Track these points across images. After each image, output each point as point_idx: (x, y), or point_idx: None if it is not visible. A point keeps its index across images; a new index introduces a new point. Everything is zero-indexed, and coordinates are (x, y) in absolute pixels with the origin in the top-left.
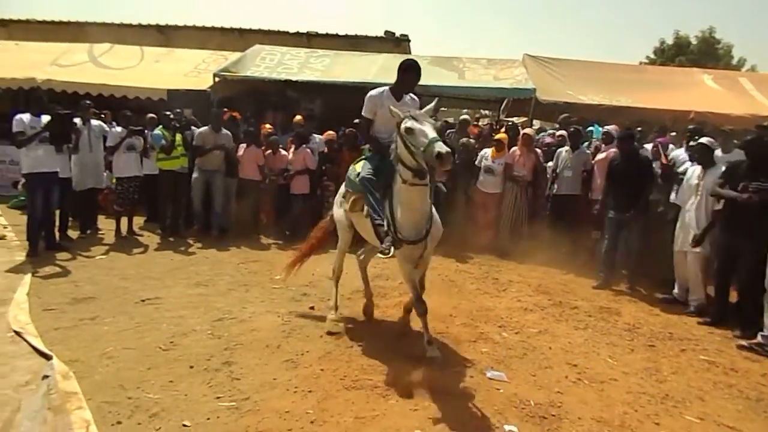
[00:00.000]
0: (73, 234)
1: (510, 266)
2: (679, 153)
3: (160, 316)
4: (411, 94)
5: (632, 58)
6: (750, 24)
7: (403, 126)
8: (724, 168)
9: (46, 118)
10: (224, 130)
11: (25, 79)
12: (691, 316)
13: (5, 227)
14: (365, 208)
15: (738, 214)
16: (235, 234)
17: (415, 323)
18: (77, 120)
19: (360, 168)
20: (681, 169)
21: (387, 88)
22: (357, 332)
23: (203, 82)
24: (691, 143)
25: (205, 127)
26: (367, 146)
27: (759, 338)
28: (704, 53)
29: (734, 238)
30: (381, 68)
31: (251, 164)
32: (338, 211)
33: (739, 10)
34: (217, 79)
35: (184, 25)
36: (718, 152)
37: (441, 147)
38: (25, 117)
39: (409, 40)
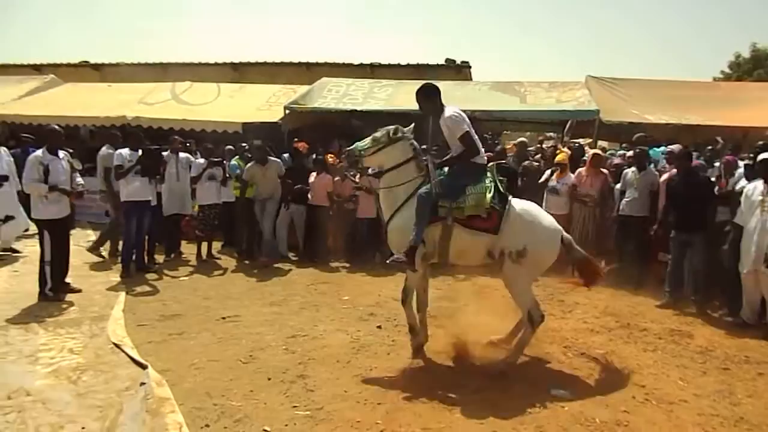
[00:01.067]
0: (158, 257)
1: (576, 288)
2: (740, 171)
3: (239, 332)
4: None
5: (706, 74)
6: None
7: None
8: None
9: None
10: (272, 159)
11: (116, 117)
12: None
13: (103, 250)
14: None
15: None
16: (308, 258)
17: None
18: (164, 153)
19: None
20: (738, 187)
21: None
22: (425, 350)
23: (275, 114)
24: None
25: (251, 163)
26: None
27: None
28: None
29: None
30: (442, 95)
31: (321, 191)
32: None
33: None
34: (287, 111)
35: (255, 62)
36: None
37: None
38: (125, 152)
39: (470, 67)
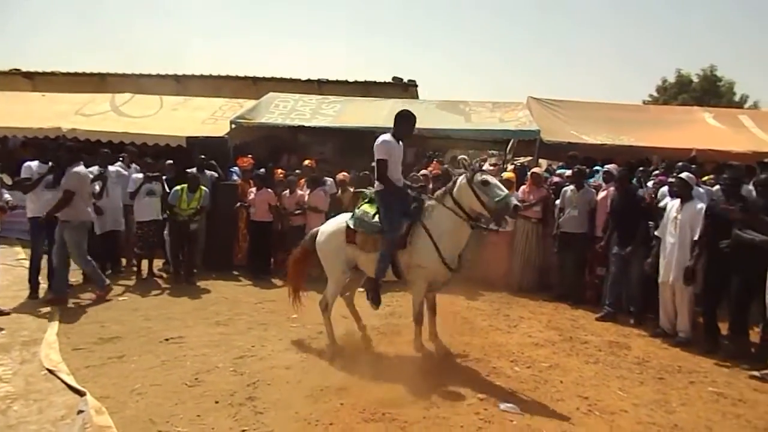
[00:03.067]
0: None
1: (521, 303)
2: (665, 189)
3: (184, 354)
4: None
5: (635, 97)
6: (751, 61)
7: (479, 177)
8: (700, 204)
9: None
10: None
11: (50, 129)
12: (678, 346)
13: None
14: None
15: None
16: (250, 275)
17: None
18: (94, 168)
19: (371, 209)
20: (662, 204)
21: (388, 134)
22: (375, 367)
23: (220, 129)
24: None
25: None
26: (374, 188)
27: None
28: (706, 91)
29: (724, 269)
30: (390, 113)
31: (263, 206)
32: (332, 257)
33: (740, 48)
34: (233, 125)
35: (200, 75)
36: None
37: (515, 201)
38: (33, 164)
39: (417, 86)
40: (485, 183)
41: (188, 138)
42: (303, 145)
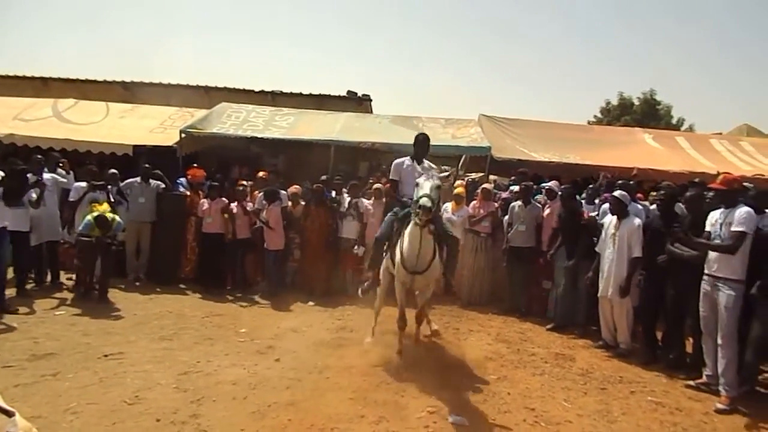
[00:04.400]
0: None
1: (471, 316)
2: (606, 206)
3: (124, 370)
4: (425, 161)
5: (581, 117)
6: (687, 86)
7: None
8: (637, 221)
9: None
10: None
11: None
12: (619, 358)
13: None
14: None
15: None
16: (200, 288)
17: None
18: (30, 175)
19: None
20: (604, 220)
21: (409, 156)
22: (324, 382)
23: (169, 138)
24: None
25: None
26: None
27: (704, 377)
28: (646, 113)
29: (660, 284)
30: (344, 127)
31: (218, 216)
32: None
33: (677, 73)
34: (183, 135)
35: (149, 82)
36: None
37: (423, 200)
38: None
39: (371, 100)
40: (417, 184)
41: (135, 146)
42: (255, 156)
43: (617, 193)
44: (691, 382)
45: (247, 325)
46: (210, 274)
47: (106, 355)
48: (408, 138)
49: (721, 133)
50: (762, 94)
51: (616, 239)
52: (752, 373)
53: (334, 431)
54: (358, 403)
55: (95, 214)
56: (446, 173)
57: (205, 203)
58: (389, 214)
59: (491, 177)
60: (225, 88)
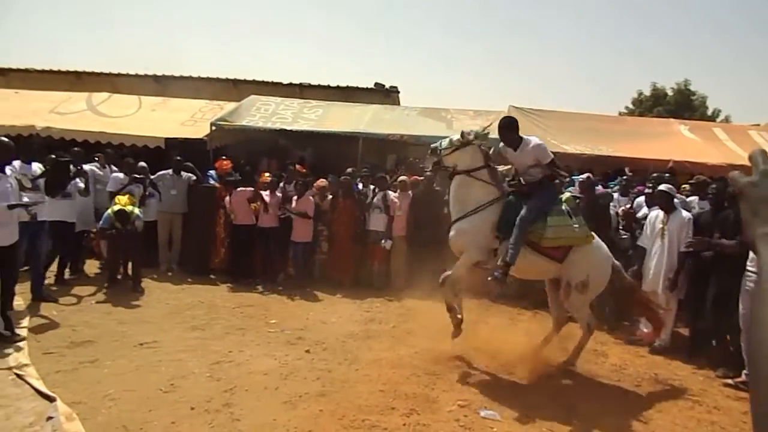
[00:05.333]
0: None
1: (501, 309)
2: (641, 200)
3: (158, 359)
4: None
5: (612, 109)
6: (723, 76)
7: None
8: (686, 214)
9: (36, 166)
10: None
11: (24, 127)
12: (654, 354)
13: None
14: None
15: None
16: (230, 279)
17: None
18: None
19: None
20: (640, 215)
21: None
22: (354, 374)
23: (199, 130)
24: (653, 189)
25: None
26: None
27: (743, 376)
28: (680, 104)
29: (705, 279)
30: (372, 119)
31: (242, 207)
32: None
33: (713, 63)
34: (213, 128)
35: (180, 75)
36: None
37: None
38: (16, 164)
39: (399, 92)
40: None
41: (167, 139)
42: (283, 149)
43: (664, 186)
44: (730, 381)
45: (276, 315)
46: (240, 265)
47: (141, 344)
48: (437, 130)
49: (759, 125)
50: None
51: (666, 233)
52: None
53: (365, 422)
54: (388, 395)
55: (116, 208)
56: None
57: (228, 199)
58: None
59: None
60: (253, 81)
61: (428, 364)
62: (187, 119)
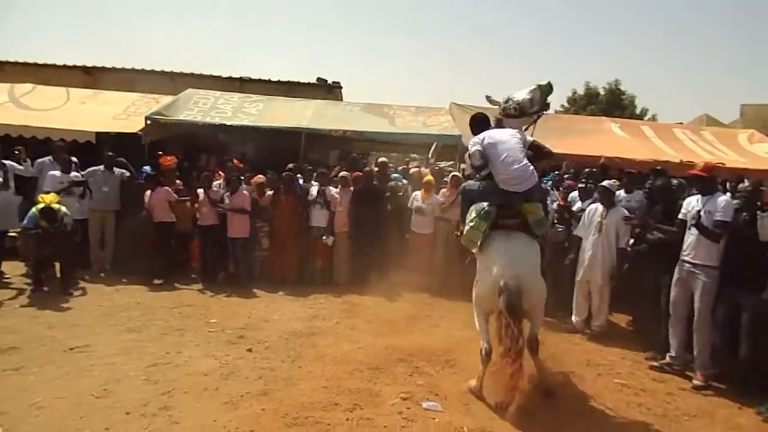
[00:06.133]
0: None
1: (442, 303)
2: (574, 194)
3: (91, 363)
4: None
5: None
6: (650, 77)
7: None
8: (624, 211)
9: None
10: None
11: None
12: (590, 341)
13: None
14: None
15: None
16: (168, 279)
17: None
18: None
19: None
20: (575, 208)
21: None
22: (297, 371)
23: (133, 125)
24: (585, 183)
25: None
26: None
27: (667, 358)
28: (612, 103)
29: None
30: (315, 114)
31: (161, 205)
32: None
33: (641, 65)
34: (148, 122)
35: (112, 67)
36: (620, 193)
37: None
38: None
39: (341, 87)
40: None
41: (98, 134)
42: (223, 144)
43: (606, 183)
44: (656, 363)
45: (217, 315)
46: (161, 263)
47: (71, 348)
48: (379, 126)
49: (682, 123)
50: (720, 86)
51: (603, 227)
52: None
53: (308, 419)
54: (331, 391)
55: (40, 206)
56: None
57: (146, 195)
58: None
59: (462, 165)
60: (191, 74)
61: (371, 359)
62: (119, 113)
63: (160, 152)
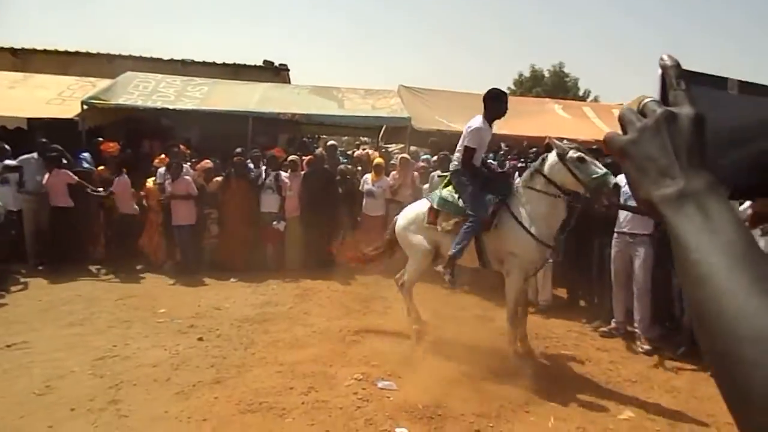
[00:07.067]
0: None
1: (395, 285)
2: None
3: (30, 360)
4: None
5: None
6: (593, 60)
7: (573, 155)
8: None
9: None
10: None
11: None
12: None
13: None
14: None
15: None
16: (114, 269)
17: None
18: None
19: (454, 191)
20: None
21: (481, 117)
22: (250, 358)
23: (69, 110)
24: (525, 163)
25: None
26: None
27: (613, 324)
28: (556, 85)
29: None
30: (262, 97)
31: (60, 189)
32: (415, 237)
33: (584, 48)
34: (85, 107)
35: (43, 49)
36: None
37: (614, 179)
38: None
39: (288, 70)
40: (582, 160)
41: (30, 119)
42: (167, 129)
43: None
44: (605, 329)
45: (165, 304)
46: (55, 250)
47: (8, 346)
48: (328, 109)
49: (622, 104)
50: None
51: None
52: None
53: (262, 405)
54: (286, 376)
55: None
56: None
57: (46, 177)
58: (472, 190)
59: (412, 147)
60: (130, 57)
61: (326, 343)
62: (53, 97)
63: (101, 138)
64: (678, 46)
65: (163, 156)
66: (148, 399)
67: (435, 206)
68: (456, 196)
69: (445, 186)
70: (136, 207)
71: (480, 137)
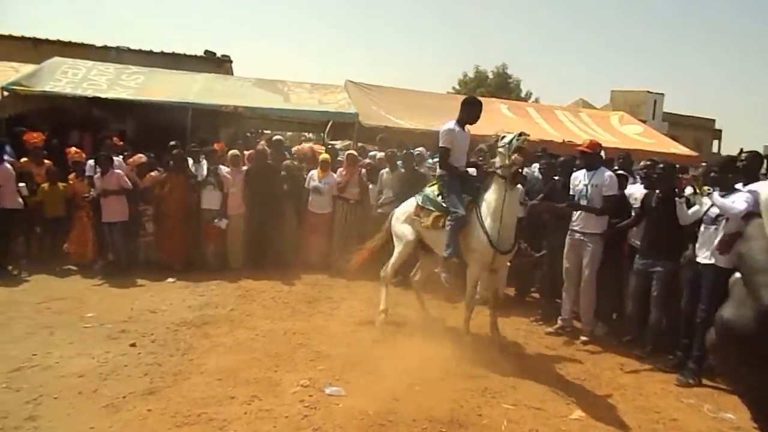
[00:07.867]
0: None
1: (342, 284)
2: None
3: None
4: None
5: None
6: (534, 62)
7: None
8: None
9: None
10: None
11: None
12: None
13: None
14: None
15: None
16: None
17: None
18: None
19: (438, 190)
20: None
21: (454, 121)
22: (188, 365)
23: None
24: None
25: None
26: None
27: (559, 322)
28: (499, 86)
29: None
30: (202, 88)
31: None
32: (402, 227)
33: (526, 50)
34: (6, 93)
35: None
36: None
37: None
38: None
39: (231, 62)
40: (501, 139)
41: None
42: (99, 120)
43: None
44: (550, 329)
45: (94, 308)
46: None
47: None
48: (273, 102)
49: (562, 106)
50: (594, 72)
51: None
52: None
53: (201, 417)
54: (227, 384)
55: None
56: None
57: None
58: (450, 190)
59: (359, 144)
60: (58, 42)
61: (270, 346)
62: None
63: (23, 128)
64: (608, 53)
65: (74, 149)
66: (72, 414)
67: (419, 203)
68: (437, 194)
69: (433, 185)
70: (20, 201)
71: (451, 138)
